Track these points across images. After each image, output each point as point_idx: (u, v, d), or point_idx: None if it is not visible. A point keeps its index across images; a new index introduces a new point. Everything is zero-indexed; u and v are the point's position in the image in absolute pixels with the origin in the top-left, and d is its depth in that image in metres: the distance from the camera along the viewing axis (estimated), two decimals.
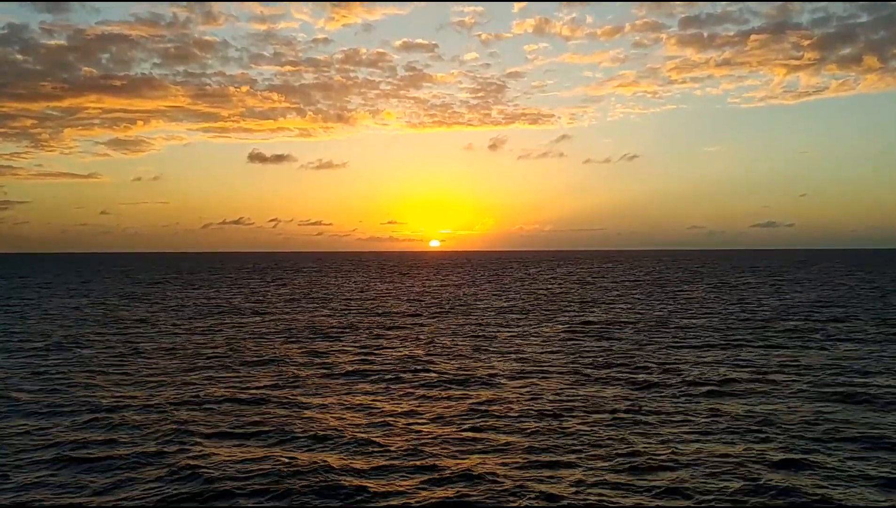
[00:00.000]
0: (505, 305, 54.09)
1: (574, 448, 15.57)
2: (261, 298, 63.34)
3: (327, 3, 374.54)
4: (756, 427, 17.08)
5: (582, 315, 44.66)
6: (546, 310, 48.97)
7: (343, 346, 31.56)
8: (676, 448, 15.30)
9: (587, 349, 30.26)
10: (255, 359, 27.93)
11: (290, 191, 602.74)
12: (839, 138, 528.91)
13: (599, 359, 27.33)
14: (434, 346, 31.53)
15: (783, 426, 17.20)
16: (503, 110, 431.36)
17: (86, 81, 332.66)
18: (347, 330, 37.63)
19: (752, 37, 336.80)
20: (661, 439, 16.11)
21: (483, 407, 19.38)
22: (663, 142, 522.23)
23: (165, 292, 71.96)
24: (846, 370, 24.37)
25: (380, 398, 20.84)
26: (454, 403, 20.09)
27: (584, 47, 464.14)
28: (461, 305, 54.54)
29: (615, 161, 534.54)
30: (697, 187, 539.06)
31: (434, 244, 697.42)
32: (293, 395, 21.12)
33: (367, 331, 37.26)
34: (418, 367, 25.84)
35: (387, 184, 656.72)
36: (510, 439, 16.27)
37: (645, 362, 26.60)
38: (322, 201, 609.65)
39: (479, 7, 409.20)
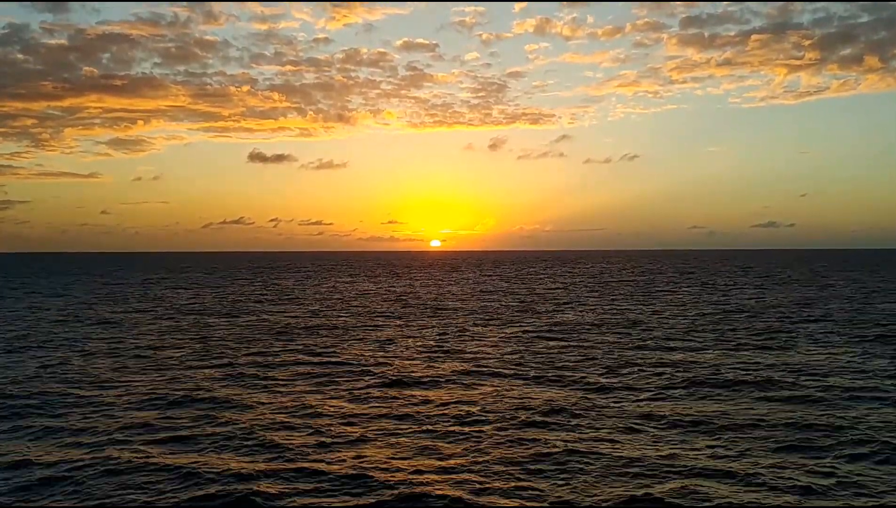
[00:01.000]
0: (481, 305, 53.64)
1: (486, 449, 15.13)
2: (239, 298, 62.93)
3: (328, 3, 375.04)
4: (683, 428, 16.64)
5: (553, 317, 44.21)
6: (519, 311, 48.53)
7: (293, 346, 31.09)
8: (580, 447, 14.84)
9: (539, 350, 29.79)
10: (199, 360, 27.52)
11: (290, 191, 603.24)
12: (840, 138, 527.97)
13: (547, 360, 26.90)
14: (388, 347, 31.07)
15: (711, 426, 16.78)
16: (504, 110, 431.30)
17: (86, 81, 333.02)
18: (305, 331, 37.19)
19: (753, 37, 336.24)
20: (576, 438, 15.67)
21: (406, 409, 18.97)
22: (664, 142, 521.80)
23: (144, 293, 71.63)
24: (797, 371, 23.90)
25: (308, 398, 20.36)
26: (381, 404, 19.65)
27: (585, 47, 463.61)
28: (438, 306, 54.09)
29: (615, 161, 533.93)
30: (698, 187, 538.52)
31: (435, 244, 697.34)
32: (217, 395, 20.65)
33: (329, 332, 36.80)
34: (361, 368, 25.42)
35: (387, 184, 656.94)
36: (417, 441, 15.82)
37: (594, 363, 26.16)
38: (322, 201, 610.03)
39: (480, 7, 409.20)
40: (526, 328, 37.30)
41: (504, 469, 13.95)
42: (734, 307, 49.00)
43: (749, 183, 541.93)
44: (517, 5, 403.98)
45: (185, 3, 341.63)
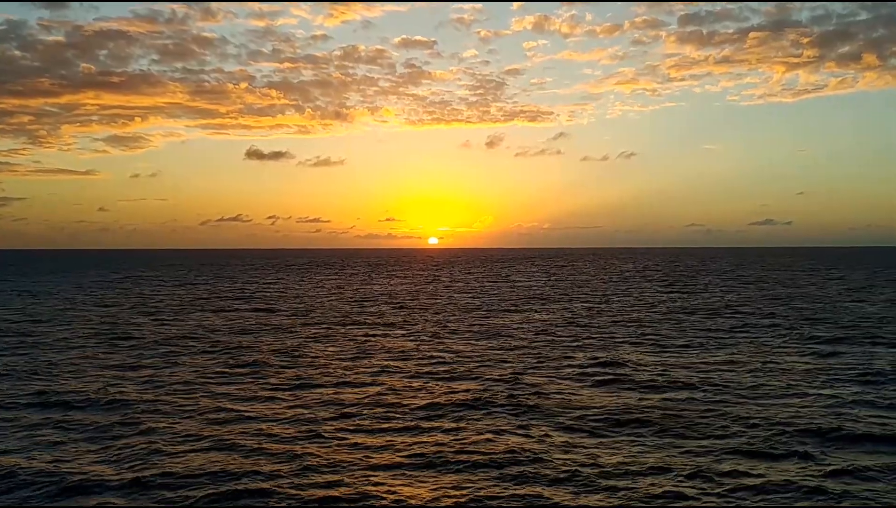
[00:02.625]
0: (449, 306, 53.67)
1: (380, 445, 15.16)
2: (212, 295, 62.95)
3: (326, 1, 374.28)
4: (559, 422, 16.66)
5: (506, 317, 44.26)
6: (477, 311, 48.59)
7: (231, 347, 31.12)
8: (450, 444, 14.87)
9: (467, 351, 29.84)
10: (127, 360, 27.57)
11: (288, 188, 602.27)
12: (838, 136, 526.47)
13: (468, 361, 26.93)
14: (326, 348, 31.09)
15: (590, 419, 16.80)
16: (502, 108, 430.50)
17: (84, 78, 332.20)
18: (255, 331, 37.21)
19: (752, 34, 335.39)
20: (454, 436, 15.70)
21: (308, 411, 18.99)
22: (662, 139, 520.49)
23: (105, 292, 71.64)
24: (720, 370, 23.92)
25: (221, 398, 20.39)
26: (283, 405, 19.67)
27: (584, 45, 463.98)
28: (406, 306, 54.09)
29: (613, 158, 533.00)
30: (696, 185, 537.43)
31: (433, 242, 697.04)
32: (124, 394, 20.68)
33: (280, 332, 36.82)
34: (282, 368, 25.45)
35: (385, 181, 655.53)
36: (302, 447, 15.83)
37: (513, 362, 26.20)
38: (320, 199, 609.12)
39: (478, 4, 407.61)
40: (475, 327, 37.40)
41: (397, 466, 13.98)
42: (699, 305, 49.01)
43: (747, 181, 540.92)
44: (515, 3, 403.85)
45: (182, 1, 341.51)
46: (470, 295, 63.11)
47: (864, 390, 21.16)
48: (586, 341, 32.07)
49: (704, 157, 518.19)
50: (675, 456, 14.92)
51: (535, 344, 31.19)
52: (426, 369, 25.36)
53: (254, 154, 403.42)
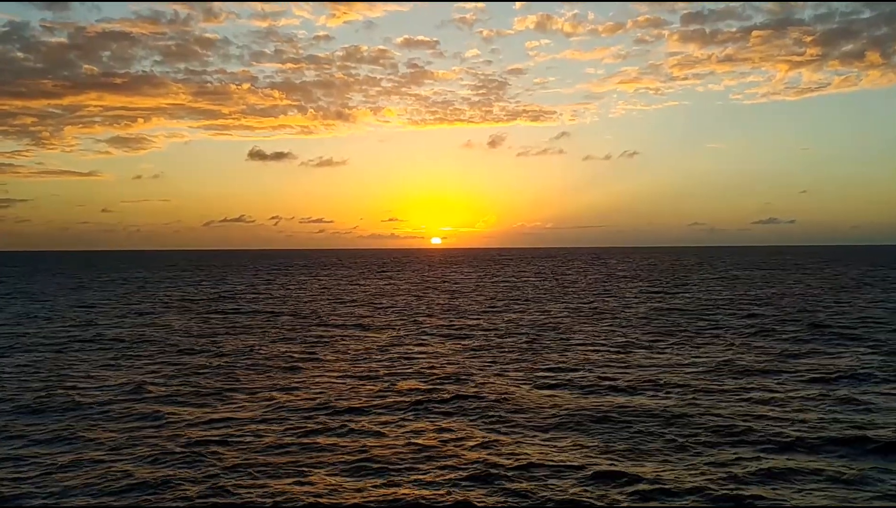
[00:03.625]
0: (425, 306, 53.34)
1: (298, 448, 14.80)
2: (189, 295, 62.74)
3: (328, 1, 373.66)
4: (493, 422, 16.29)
5: (479, 318, 43.91)
6: (452, 312, 48.24)
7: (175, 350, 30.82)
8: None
9: (425, 351, 29.48)
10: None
11: (291, 189, 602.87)
12: (841, 135, 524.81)
13: (406, 364, 26.58)
14: (275, 349, 30.76)
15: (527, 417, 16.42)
16: (505, 107, 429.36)
17: (87, 79, 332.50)
18: (212, 335, 36.92)
19: (755, 33, 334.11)
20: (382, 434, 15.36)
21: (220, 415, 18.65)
22: (665, 138, 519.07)
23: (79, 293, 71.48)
24: (675, 371, 23.50)
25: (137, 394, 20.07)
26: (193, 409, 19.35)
27: (586, 44, 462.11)
28: (380, 306, 53.78)
29: (615, 158, 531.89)
30: (699, 184, 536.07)
31: (436, 242, 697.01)
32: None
33: (241, 334, 36.52)
34: (223, 370, 25.13)
35: (388, 181, 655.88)
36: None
37: (466, 362, 25.83)
38: (323, 199, 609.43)
39: (481, 4, 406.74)
40: (441, 326, 37.06)
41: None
42: (671, 307, 48.53)
43: (750, 180, 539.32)
44: (517, 3, 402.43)
45: (185, 1, 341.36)
46: (451, 295, 62.74)
47: (816, 390, 20.69)
48: (549, 342, 31.66)
49: (707, 156, 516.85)
50: (594, 456, 14.52)
51: (499, 345, 30.82)
52: (375, 369, 24.99)
53: (256, 155, 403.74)
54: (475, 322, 39.72)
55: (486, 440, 16.09)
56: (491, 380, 22.84)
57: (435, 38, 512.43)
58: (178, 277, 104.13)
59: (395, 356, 28.15)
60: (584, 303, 51.85)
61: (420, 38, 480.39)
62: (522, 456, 14.81)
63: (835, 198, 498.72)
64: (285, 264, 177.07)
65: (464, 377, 23.45)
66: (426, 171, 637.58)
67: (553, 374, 23.80)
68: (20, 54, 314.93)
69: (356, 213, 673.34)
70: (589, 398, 20.01)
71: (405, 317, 43.23)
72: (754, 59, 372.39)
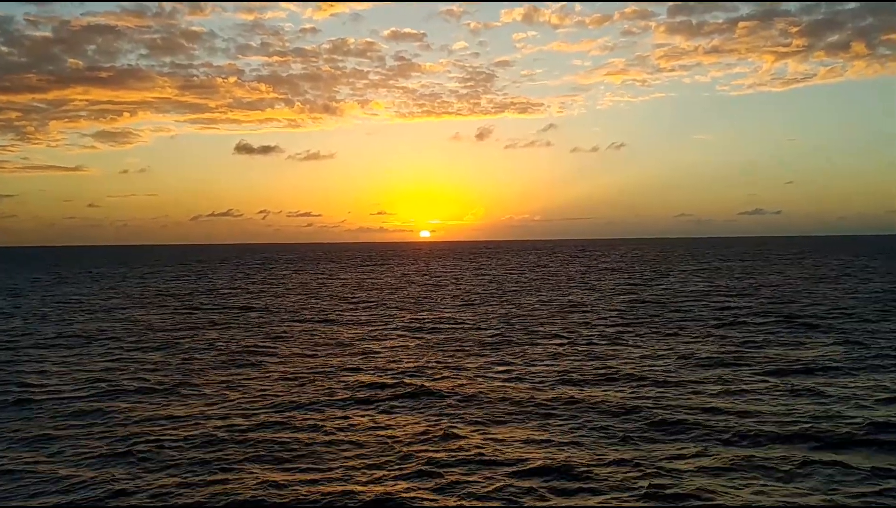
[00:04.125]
0: (395, 300, 52.93)
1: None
2: (151, 292, 62.05)
3: None
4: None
5: (448, 312, 43.55)
6: (421, 307, 47.88)
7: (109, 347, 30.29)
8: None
9: (385, 345, 29.10)
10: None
11: (278, 182, 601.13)
12: (827, 125, 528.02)
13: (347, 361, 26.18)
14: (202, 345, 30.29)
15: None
16: (492, 100, 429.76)
17: (72, 73, 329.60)
18: (170, 329, 36.37)
19: (741, 24, 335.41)
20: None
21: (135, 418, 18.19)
22: (652, 130, 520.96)
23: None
24: (629, 362, 23.23)
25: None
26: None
27: (573, 36, 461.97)
28: (349, 300, 53.31)
29: (603, 150, 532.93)
30: (686, 175, 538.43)
31: (424, 235, 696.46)
32: None
33: (199, 330, 35.98)
34: (174, 365, 24.65)
35: (376, 175, 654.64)
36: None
37: (422, 357, 25.46)
38: (311, 193, 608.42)
39: None
40: (402, 323, 36.68)
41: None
42: (644, 299, 48.35)
43: (736, 171, 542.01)
44: None
45: None
46: (427, 288, 62.34)
47: (772, 381, 20.45)
48: (515, 335, 31.34)
49: (694, 147, 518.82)
50: (533, 450, 14.17)
51: (463, 339, 30.47)
52: (331, 364, 24.56)
53: (243, 148, 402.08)
54: (446, 316, 39.34)
55: (431, 434, 15.76)
56: (447, 374, 22.48)
57: (422, 31, 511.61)
58: (159, 272, 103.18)
59: (356, 351, 27.74)
60: (560, 295, 51.59)
61: (407, 30, 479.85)
62: (464, 449, 14.60)
63: (820, 188, 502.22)
64: (270, 258, 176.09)
65: (419, 371, 23.11)
66: (414, 164, 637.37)
67: (511, 367, 23.47)
68: (4, 49, 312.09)
69: (344, 206, 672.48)
70: (543, 392, 19.69)
71: (375, 311, 42.80)
72: (741, 51, 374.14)
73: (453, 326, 34.84)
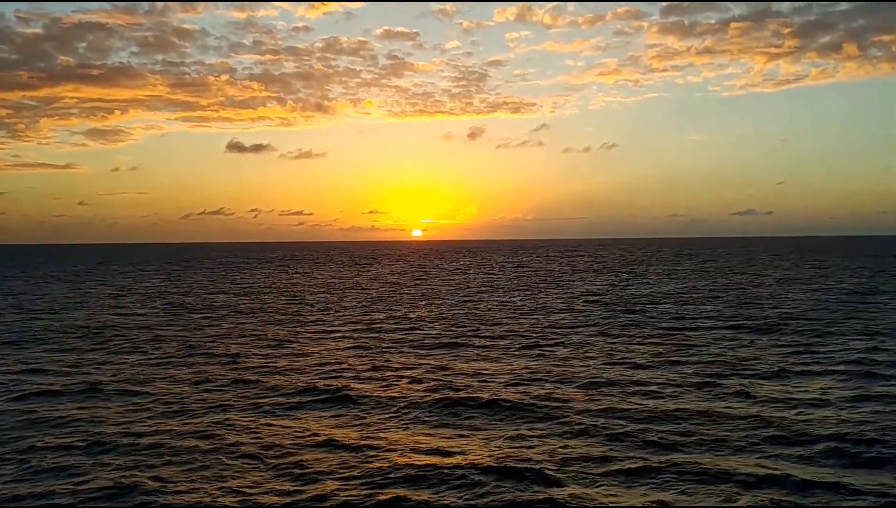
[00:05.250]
0: (353, 300, 52.30)
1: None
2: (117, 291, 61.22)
3: None
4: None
5: (400, 310, 42.92)
6: (378, 305, 47.24)
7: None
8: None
9: (321, 346, 28.40)
10: None
11: (270, 181, 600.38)
12: (819, 126, 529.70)
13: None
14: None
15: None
16: (485, 99, 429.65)
17: (63, 71, 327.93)
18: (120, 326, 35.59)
19: (733, 25, 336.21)
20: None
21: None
22: (644, 130, 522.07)
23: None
24: (565, 366, 22.57)
25: None
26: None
27: (566, 35, 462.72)
28: (304, 300, 52.62)
29: (595, 150, 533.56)
30: (678, 176, 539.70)
31: (416, 234, 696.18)
32: None
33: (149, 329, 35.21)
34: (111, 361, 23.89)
35: (368, 174, 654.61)
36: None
37: (349, 360, 24.78)
38: (303, 191, 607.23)
39: None
40: (360, 321, 36.00)
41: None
42: (612, 301, 47.79)
43: (728, 171, 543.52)
44: None
45: None
46: (393, 287, 61.67)
47: (694, 382, 19.81)
48: (458, 336, 30.69)
49: (686, 147, 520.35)
50: (413, 452, 13.47)
51: (401, 341, 29.79)
52: (262, 364, 23.81)
53: (235, 147, 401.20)
54: (397, 315, 38.64)
55: (333, 436, 15.24)
56: (373, 375, 21.79)
57: (415, 30, 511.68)
58: (129, 272, 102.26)
59: (289, 352, 27.00)
60: (524, 296, 50.99)
61: (400, 29, 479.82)
62: (362, 448, 14.44)
63: (812, 189, 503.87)
64: (255, 257, 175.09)
65: (340, 372, 22.41)
66: (406, 163, 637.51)
67: (438, 370, 22.77)
68: None
69: (336, 205, 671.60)
70: (457, 393, 19.00)
71: (324, 311, 42.07)
72: (733, 51, 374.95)
73: (398, 326, 34.13)
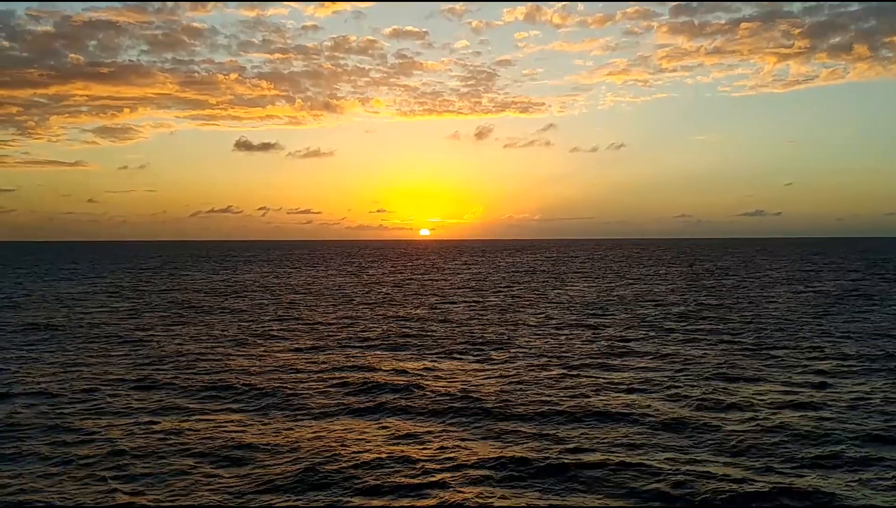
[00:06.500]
0: (330, 299, 51.83)
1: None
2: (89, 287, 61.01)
3: None
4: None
5: (376, 310, 42.41)
6: (349, 304, 46.76)
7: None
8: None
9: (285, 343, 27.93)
10: None
11: (278, 179, 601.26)
12: (829, 127, 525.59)
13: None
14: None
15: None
16: (494, 99, 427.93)
17: (73, 68, 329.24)
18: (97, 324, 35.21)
19: (743, 25, 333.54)
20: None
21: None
22: (653, 131, 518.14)
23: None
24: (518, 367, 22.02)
25: None
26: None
27: (575, 35, 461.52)
28: (281, 300, 52.17)
29: (602, 150, 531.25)
30: (686, 176, 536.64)
31: (424, 233, 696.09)
32: None
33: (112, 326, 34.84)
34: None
35: (376, 172, 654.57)
36: None
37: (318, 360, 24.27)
38: (311, 190, 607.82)
39: None
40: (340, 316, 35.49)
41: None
42: (593, 302, 47.13)
43: (737, 172, 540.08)
44: None
45: None
46: (368, 286, 61.19)
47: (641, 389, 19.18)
48: (412, 337, 30.15)
49: (695, 148, 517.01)
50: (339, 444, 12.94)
51: (340, 339, 29.28)
52: (194, 365, 23.34)
53: (243, 145, 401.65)
54: (350, 316, 38.12)
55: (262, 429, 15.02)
56: (276, 374, 21.26)
57: (424, 29, 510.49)
58: (121, 270, 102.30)
59: (232, 352, 26.53)
60: (505, 297, 50.40)
61: (409, 28, 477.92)
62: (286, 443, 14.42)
63: (820, 190, 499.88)
64: (253, 257, 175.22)
65: (269, 370, 21.89)
66: (414, 162, 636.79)
67: (377, 368, 22.25)
68: (6, 43, 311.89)
69: (344, 204, 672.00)
70: (367, 394, 18.46)
71: (286, 310, 41.61)
72: (743, 52, 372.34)
73: (343, 328, 33.56)
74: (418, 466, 13.24)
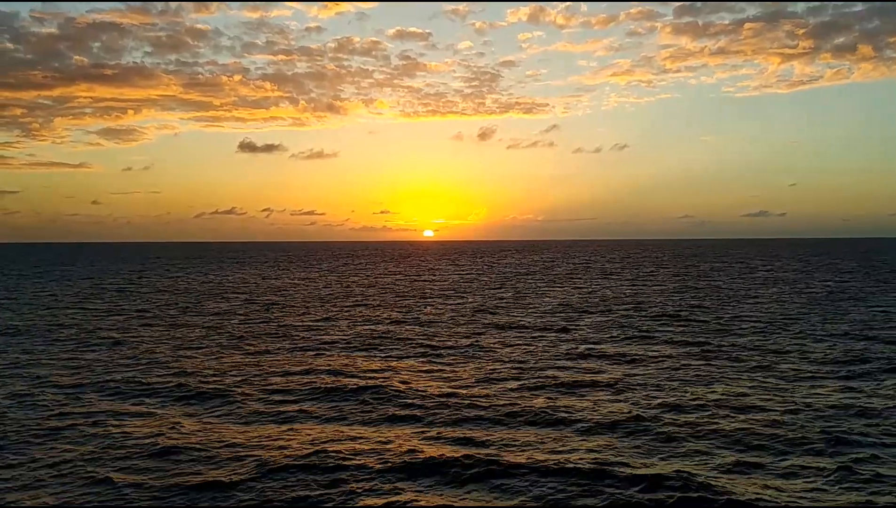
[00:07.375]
0: (312, 299, 51.64)
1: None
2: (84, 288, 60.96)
3: None
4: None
5: (356, 311, 42.20)
6: (332, 303, 46.56)
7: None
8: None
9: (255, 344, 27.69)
10: None
11: (282, 181, 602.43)
12: (833, 127, 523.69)
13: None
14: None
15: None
16: (497, 99, 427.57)
17: (77, 70, 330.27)
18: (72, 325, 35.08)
19: (747, 25, 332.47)
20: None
21: None
22: (657, 131, 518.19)
23: None
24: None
25: None
26: None
27: (579, 36, 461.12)
28: (257, 300, 52.01)
29: (606, 151, 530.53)
30: (690, 177, 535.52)
31: (428, 234, 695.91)
32: None
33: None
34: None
35: (379, 174, 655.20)
36: None
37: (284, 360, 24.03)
38: (314, 191, 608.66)
39: None
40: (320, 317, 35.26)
41: None
42: (579, 304, 46.83)
43: (741, 172, 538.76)
44: None
45: None
46: (348, 287, 60.98)
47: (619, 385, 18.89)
48: (380, 339, 29.93)
49: (699, 148, 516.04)
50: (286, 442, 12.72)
51: (331, 343, 29.06)
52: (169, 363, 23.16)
53: (247, 147, 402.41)
54: (320, 317, 37.89)
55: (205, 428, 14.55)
56: (229, 375, 21.05)
57: (427, 30, 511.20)
58: (124, 270, 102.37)
59: (196, 353, 26.33)
60: (485, 300, 50.15)
61: (412, 29, 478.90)
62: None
63: (824, 191, 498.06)
64: (251, 258, 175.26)
65: (222, 373, 21.70)
66: (418, 163, 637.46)
67: (332, 369, 22.02)
68: (10, 45, 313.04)
69: (348, 205, 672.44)
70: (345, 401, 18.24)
71: (257, 313, 41.41)
72: (747, 52, 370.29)
73: (312, 330, 33.33)
74: (367, 468, 13.19)
